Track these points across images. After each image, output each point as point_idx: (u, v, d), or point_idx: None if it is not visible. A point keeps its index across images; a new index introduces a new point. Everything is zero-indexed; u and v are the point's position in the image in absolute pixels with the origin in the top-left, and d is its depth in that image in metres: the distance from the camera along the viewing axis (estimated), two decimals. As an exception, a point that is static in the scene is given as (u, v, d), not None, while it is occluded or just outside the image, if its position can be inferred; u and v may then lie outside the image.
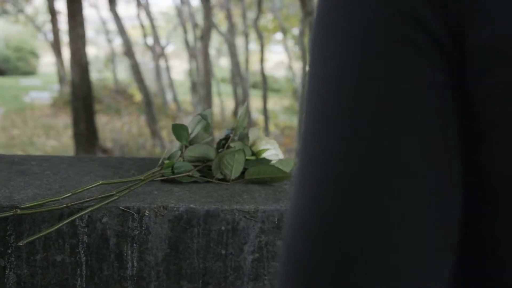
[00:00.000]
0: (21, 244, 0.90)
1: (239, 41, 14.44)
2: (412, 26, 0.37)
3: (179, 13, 13.13)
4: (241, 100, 9.95)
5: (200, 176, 1.19)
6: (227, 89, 17.00)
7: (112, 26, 17.95)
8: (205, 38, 7.52)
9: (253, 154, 1.29)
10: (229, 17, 10.23)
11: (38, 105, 15.56)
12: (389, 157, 0.37)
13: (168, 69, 14.87)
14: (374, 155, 0.37)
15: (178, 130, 1.20)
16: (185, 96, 17.12)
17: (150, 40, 15.04)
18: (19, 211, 0.92)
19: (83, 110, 7.99)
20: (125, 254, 1.04)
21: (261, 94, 16.04)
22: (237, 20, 13.28)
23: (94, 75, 15.42)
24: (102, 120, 11.28)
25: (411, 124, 0.37)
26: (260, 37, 9.41)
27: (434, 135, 0.37)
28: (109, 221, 1.02)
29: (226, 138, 1.28)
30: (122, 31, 8.26)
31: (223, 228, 1.06)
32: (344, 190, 0.38)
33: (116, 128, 10.75)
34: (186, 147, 1.21)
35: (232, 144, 1.25)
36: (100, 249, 1.03)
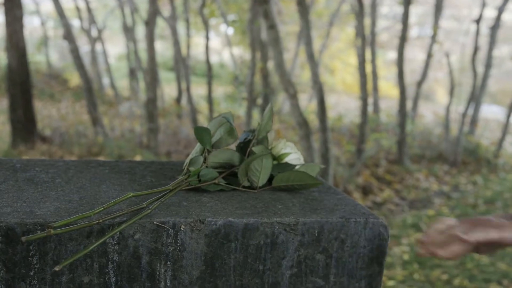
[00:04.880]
0: (57, 269, 0.79)
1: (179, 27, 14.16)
2: None
3: (118, -4, 12.76)
4: (186, 88, 9.77)
5: (226, 184, 1.10)
6: (162, 75, 16.69)
7: (45, 8, 17.29)
8: (150, 23, 7.31)
9: (274, 158, 1.22)
10: (171, 2, 10.01)
11: (-35, 89, 14.80)
12: None
13: (105, 53, 14.44)
14: None
15: (201, 133, 1.11)
16: (121, 82, 16.70)
17: (78, 23, 14.55)
18: (52, 231, 0.81)
19: (20, 96, 7.63)
20: (157, 273, 0.95)
21: (196, 80, 15.87)
22: (176, 4, 13.00)
23: (26, 58, 14.77)
24: (36, 106, 10.85)
25: None
26: (206, 24, 9.25)
27: None
28: (141, 238, 0.92)
29: (246, 142, 1.20)
30: (61, 14, 7.92)
31: (261, 242, 0.98)
32: None
33: (53, 115, 10.35)
34: (208, 152, 1.12)
35: (254, 149, 1.17)
36: (131, 269, 0.93)
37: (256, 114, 9.65)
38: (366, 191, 6.63)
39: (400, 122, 8.21)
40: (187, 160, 1.13)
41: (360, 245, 1.04)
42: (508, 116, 9.35)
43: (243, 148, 1.19)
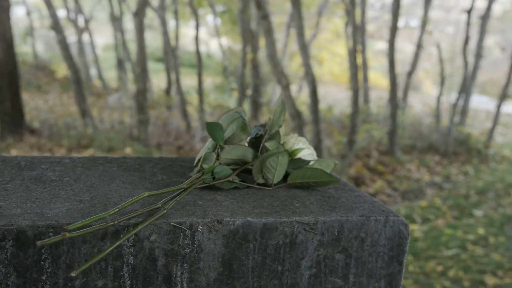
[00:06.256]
0: (73, 274, 0.75)
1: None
2: None
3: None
4: (175, 79, 9.70)
5: (240, 181, 1.07)
6: (151, 65, 16.57)
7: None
8: (139, 14, 7.22)
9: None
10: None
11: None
12: None
13: (92, 44, 14.30)
14: None
15: (213, 129, 1.07)
16: (108, 73, 16.57)
17: (62, 13, 14.41)
18: (68, 234, 0.77)
19: (7, 88, 7.53)
20: (174, 276, 0.91)
21: (184, 71, 15.79)
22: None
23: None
24: (23, 98, 10.72)
25: None
26: (195, 15, 9.18)
27: None
28: (157, 239, 0.88)
29: (257, 137, 1.16)
30: (49, 4, 7.81)
31: (280, 242, 0.95)
32: None
33: (40, 106, 10.24)
34: (221, 148, 1.08)
35: (266, 145, 1.13)
36: (147, 271, 0.89)
37: (246, 105, 9.61)
38: (358, 182, 6.62)
39: (391, 113, 8.20)
40: (198, 157, 1.09)
41: (380, 243, 1.01)
42: (498, 107, 9.38)
43: (255, 143, 1.15)
